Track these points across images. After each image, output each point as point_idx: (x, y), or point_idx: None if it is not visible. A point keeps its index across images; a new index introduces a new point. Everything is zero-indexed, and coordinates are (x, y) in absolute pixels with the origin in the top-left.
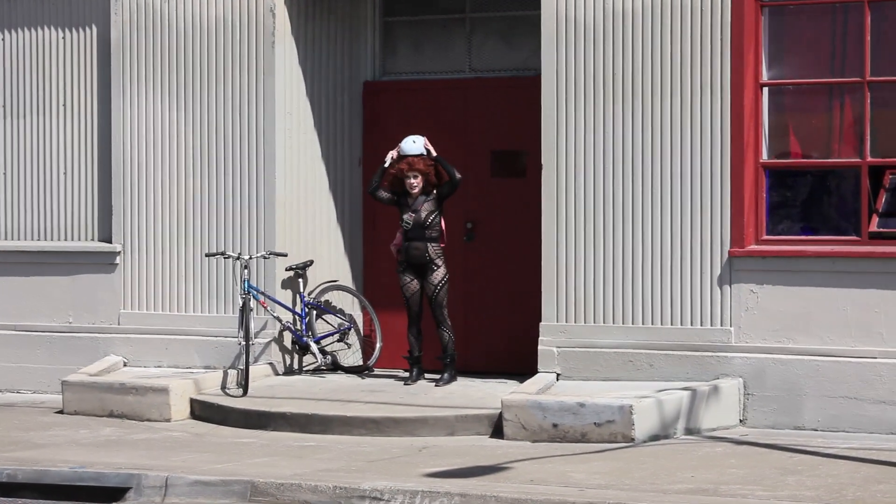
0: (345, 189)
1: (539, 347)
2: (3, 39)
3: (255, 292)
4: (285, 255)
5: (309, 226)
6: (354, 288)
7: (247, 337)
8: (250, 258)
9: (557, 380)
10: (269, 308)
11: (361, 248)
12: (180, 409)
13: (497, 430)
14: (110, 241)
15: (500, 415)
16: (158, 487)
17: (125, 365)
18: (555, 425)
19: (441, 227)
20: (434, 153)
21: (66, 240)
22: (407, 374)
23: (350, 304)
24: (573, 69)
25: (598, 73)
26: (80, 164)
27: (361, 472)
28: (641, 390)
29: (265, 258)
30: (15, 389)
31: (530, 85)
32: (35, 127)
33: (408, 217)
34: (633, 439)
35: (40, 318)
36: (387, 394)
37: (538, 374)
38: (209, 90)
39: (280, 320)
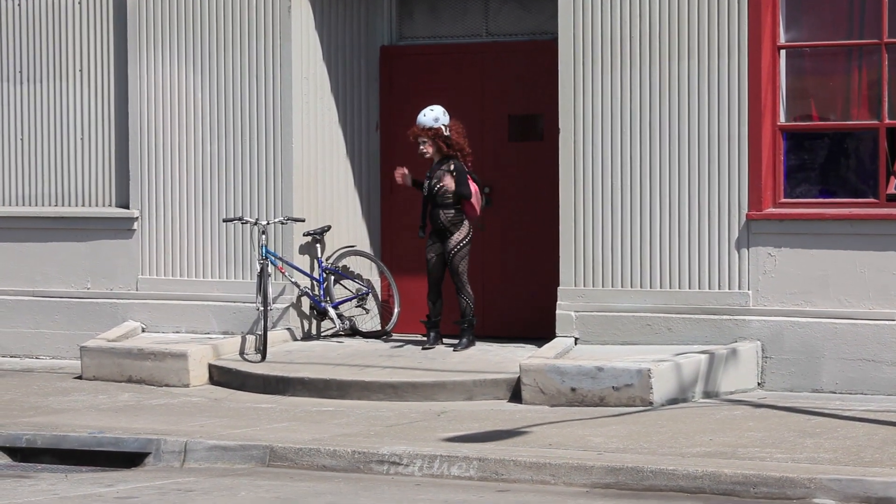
0: (362, 154)
1: (557, 312)
2: (19, 5)
3: (273, 258)
4: (303, 221)
5: (326, 191)
6: (372, 253)
7: (265, 302)
8: (268, 223)
9: (576, 344)
10: (286, 273)
11: (379, 214)
12: (198, 374)
13: (515, 395)
14: (128, 207)
15: (519, 379)
16: (177, 452)
17: (143, 331)
18: (573, 389)
19: (469, 193)
20: (447, 131)
21: (83, 205)
22: (425, 339)
23: (368, 270)
24: (590, 32)
25: (615, 35)
26: (97, 130)
27: (380, 437)
28: (659, 354)
29: (283, 224)
30: (34, 355)
31: (547, 49)
32: (51, 92)
33: (425, 184)
34: (651, 403)
35: (58, 284)
36: (405, 359)
37: (556, 339)
38: (225, 55)
39: (298, 286)
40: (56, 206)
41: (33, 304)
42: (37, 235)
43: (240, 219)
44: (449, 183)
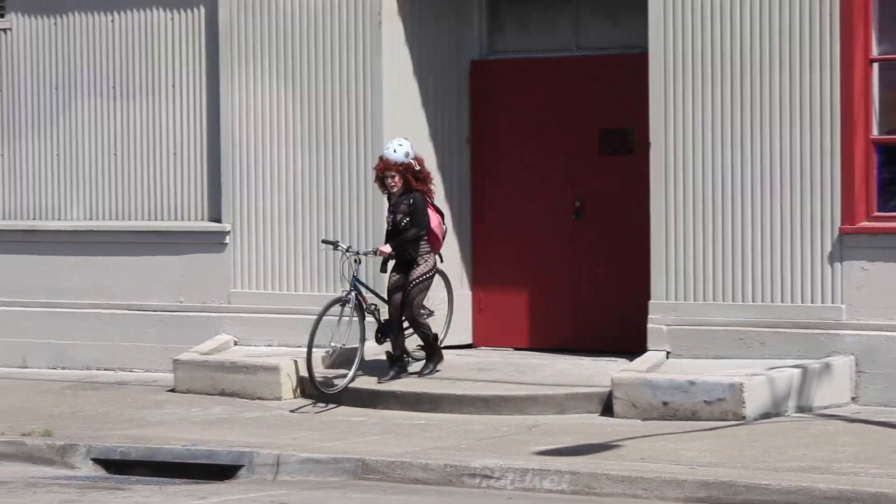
0: (452, 168)
1: (648, 325)
2: (112, 21)
3: (362, 287)
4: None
5: None
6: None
7: (362, 328)
8: (358, 253)
9: (667, 358)
10: (368, 301)
11: (470, 226)
12: (290, 387)
13: (607, 409)
14: (220, 221)
15: (610, 393)
16: (270, 465)
17: (235, 344)
18: (665, 403)
19: (430, 226)
20: (418, 166)
21: (176, 220)
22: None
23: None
24: (680, 46)
25: (705, 49)
26: (190, 145)
27: (471, 450)
28: (752, 368)
29: (374, 255)
30: (128, 368)
31: (637, 62)
32: (145, 108)
33: (388, 217)
34: (743, 417)
35: (152, 297)
36: (496, 372)
37: (648, 353)
38: (316, 70)
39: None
40: (149, 220)
41: (127, 317)
42: (131, 249)
43: (335, 244)
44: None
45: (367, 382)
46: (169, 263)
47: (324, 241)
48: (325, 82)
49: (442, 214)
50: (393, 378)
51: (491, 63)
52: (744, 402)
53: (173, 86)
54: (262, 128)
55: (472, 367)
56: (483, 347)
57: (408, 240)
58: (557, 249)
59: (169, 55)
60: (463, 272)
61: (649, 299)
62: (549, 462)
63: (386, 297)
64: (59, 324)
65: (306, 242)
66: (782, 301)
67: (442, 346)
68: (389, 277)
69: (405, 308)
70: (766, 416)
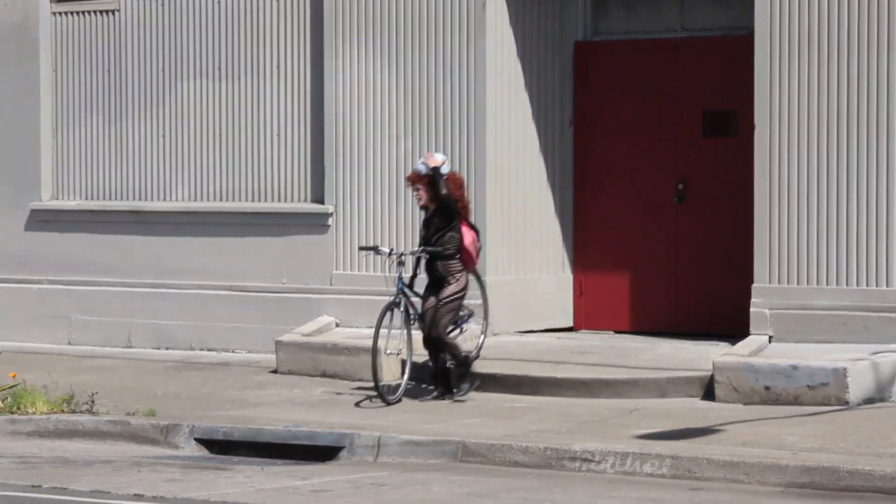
0: (555, 150)
1: (751, 309)
2: (219, 2)
3: (409, 292)
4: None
5: (519, 187)
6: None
7: (409, 336)
8: (402, 254)
9: (770, 342)
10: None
11: (572, 210)
12: (391, 369)
13: (708, 393)
14: (322, 203)
15: (712, 377)
16: (371, 447)
17: (337, 325)
18: (767, 388)
19: (461, 243)
20: (444, 189)
21: (279, 201)
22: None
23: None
24: (787, 26)
25: (812, 29)
26: (293, 126)
27: (572, 434)
28: (856, 353)
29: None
30: (230, 349)
31: (743, 43)
32: (249, 89)
33: (421, 231)
34: (847, 402)
35: (254, 278)
36: (596, 355)
37: (750, 337)
38: (419, 52)
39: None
40: (253, 201)
41: (230, 298)
42: (234, 230)
43: (375, 248)
44: (442, 230)
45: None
46: (272, 244)
47: (361, 248)
48: (428, 64)
49: (477, 232)
50: (436, 398)
51: (595, 44)
52: (847, 387)
53: (278, 67)
54: (366, 110)
55: (572, 351)
56: (583, 330)
57: (443, 199)
58: (659, 232)
59: (274, 36)
60: (564, 255)
61: (752, 283)
62: (649, 446)
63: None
64: (164, 304)
65: (408, 225)
66: (888, 285)
67: (480, 355)
68: (423, 299)
69: (432, 328)
70: (869, 401)
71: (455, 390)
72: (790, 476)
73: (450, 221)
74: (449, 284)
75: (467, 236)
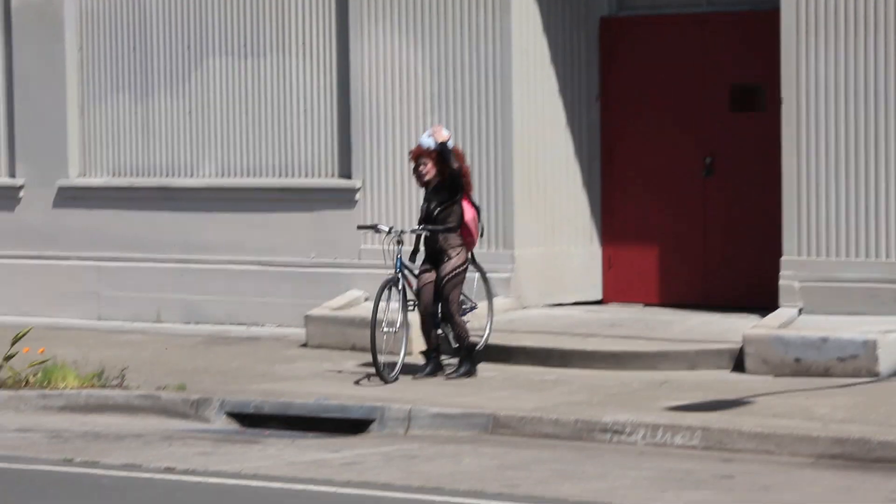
0: (582, 125)
1: (780, 282)
2: None
3: (407, 271)
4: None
5: (546, 161)
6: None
7: (405, 315)
8: (402, 232)
9: (799, 314)
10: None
11: (599, 183)
12: (419, 343)
13: (738, 365)
14: (350, 178)
15: (742, 349)
16: (401, 419)
17: (366, 300)
18: (797, 360)
19: (462, 217)
20: (456, 163)
21: (306, 177)
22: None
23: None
24: (813, 1)
25: (838, 3)
26: (320, 102)
27: (602, 406)
28: (886, 325)
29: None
30: (260, 323)
31: (769, 18)
32: (275, 65)
33: (423, 206)
34: (877, 374)
35: (283, 253)
36: (626, 328)
37: (779, 309)
38: (445, 27)
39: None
40: (281, 177)
41: (259, 273)
42: (262, 206)
43: (374, 227)
44: (444, 202)
45: (498, 338)
46: (300, 220)
47: (360, 227)
48: (454, 39)
49: (478, 210)
50: (428, 375)
51: (621, 19)
52: (877, 359)
53: (304, 43)
54: (392, 85)
55: (602, 323)
56: (612, 303)
57: (453, 173)
58: (687, 206)
59: (300, 13)
60: (592, 229)
61: (781, 255)
62: (680, 418)
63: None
64: (193, 279)
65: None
66: None
67: (483, 348)
68: (419, 272)
69: (442, 304)
70: None
71: (450, 370)
72: (821, 447)
73: (454, 195)
74: (450, 259)
75: (468, 212)
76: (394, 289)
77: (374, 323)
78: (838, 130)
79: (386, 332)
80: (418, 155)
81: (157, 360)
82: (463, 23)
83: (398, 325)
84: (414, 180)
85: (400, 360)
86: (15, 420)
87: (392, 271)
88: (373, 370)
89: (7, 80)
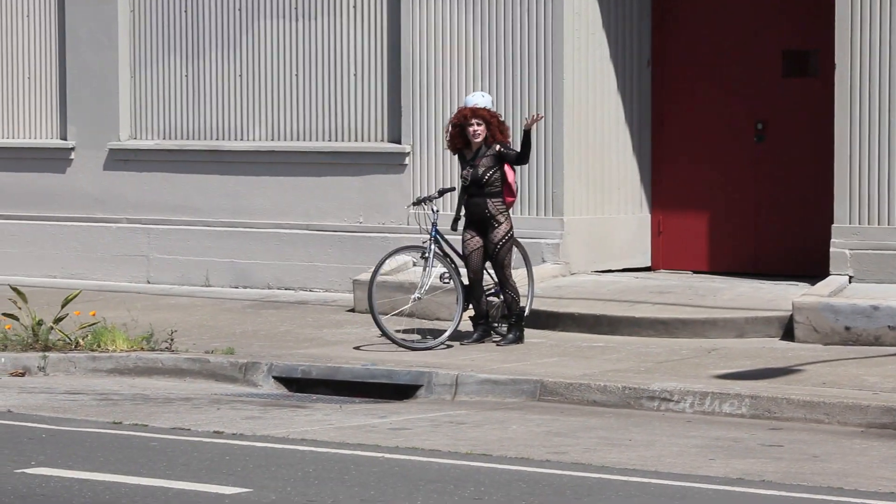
0: (633, 90)
1: (831, 249)
2: None
3: (440, 239)
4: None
5: (597, 127)
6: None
7: (458, 284)
8: (432, 199)
9: (850, 282)
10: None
11: (650, 149)
12: (448, 310)
13: (787, 333)
14: (399, 142)
15: (791, 317)
16: (448, 385)
17: (414, 265)
18: (847, 328)
19: (507, 181)
20: (501, 117)
21: (356, 141)
22: (474, 334)
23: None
24: None
25: None
26: (370, 66)
27: (650, 373)
28: None
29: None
30: (307, 288)
31: None
32: (326, 29)
33: (465, 172)
34: None
35: (332, 218)
36: (674, 295)
37: (830, 277)
38: None
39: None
40: (330, 141)
41: (308, 237)
42: (311, 170)
43: (428, 198)
44: (493, 167)
45: (546, 304)
46: (349, 184)
47: (414, 204)
48: (505, 4)
49: (514, 172)
50: (476, 341)
51: None
52: None
53: (355, 6)
54: (443, 50)
55: (650, 290)
56: (661, 270)
57: (519, 161)
58: (738, 172)
59: None
60: (642, 194)
61: (832, 223)
62: (728, 386)
63: (461, 257)
64: (241, 243)
65: None
66: None
67: (527, 315)
68: (465, 239)
69: (496, 269)
70: None
71: (499, 337)
72: (871, 416)
73: (500, 161)
74: (500, 224)
75: (509, 174)
76: (416, 254)
77: (371, 289)
78: (892, 96)
79: (416, 298)
80: (470, 114)
81: (206, 324)
82: None
83: (424, 290)
84: (447, 144)
85: (450, 329)
86: (65, 382)
87: (426, 237)
88: (409, 336)
89: (60, 43)
